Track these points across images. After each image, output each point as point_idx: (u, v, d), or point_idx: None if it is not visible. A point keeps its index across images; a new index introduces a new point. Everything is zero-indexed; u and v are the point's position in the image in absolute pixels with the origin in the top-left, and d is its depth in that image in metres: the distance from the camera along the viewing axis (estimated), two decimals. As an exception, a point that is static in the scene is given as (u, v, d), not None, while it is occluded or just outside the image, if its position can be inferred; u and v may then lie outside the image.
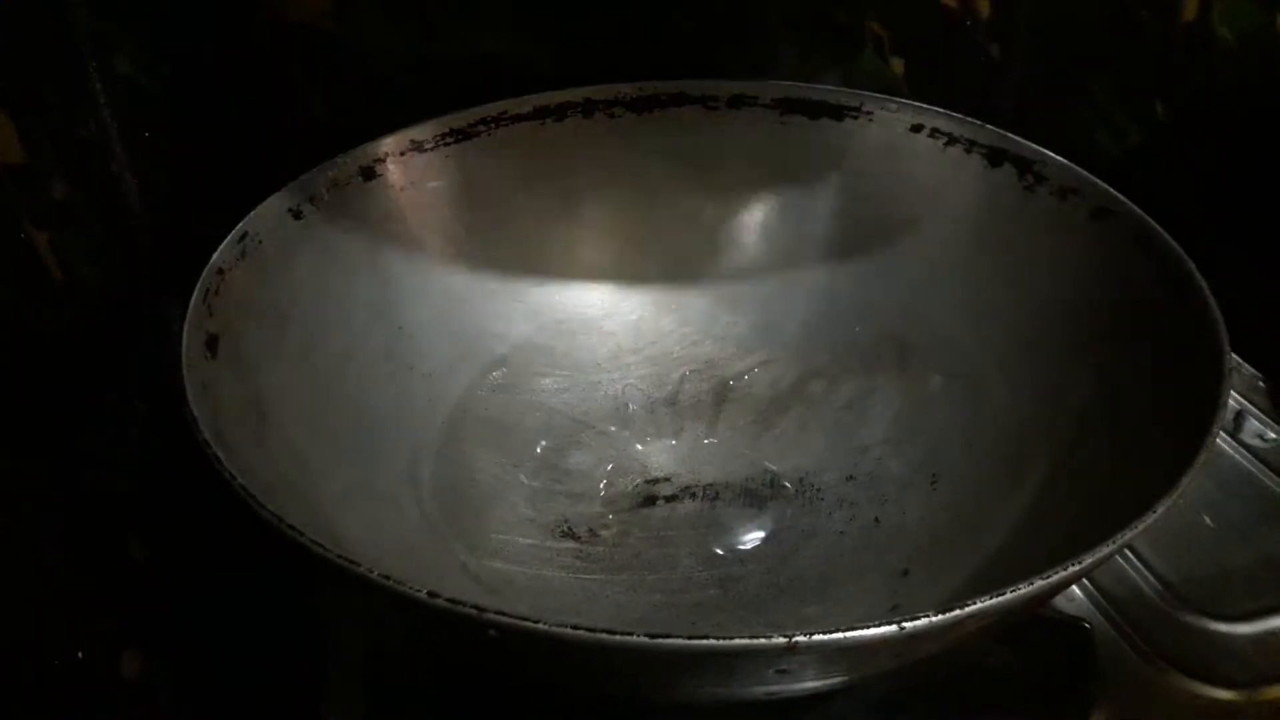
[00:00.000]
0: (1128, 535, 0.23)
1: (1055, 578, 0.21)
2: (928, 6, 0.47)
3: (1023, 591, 0.21)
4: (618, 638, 0.20)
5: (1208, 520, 0.37)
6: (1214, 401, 0.27)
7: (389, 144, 0.38)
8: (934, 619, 0.21)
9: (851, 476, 0.36)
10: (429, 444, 0.36)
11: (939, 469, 0.35)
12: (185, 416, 0.26)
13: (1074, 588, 0.34)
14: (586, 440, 0.38)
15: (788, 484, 0.37)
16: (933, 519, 0.34)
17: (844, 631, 0.20)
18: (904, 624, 0.20)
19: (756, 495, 0.36)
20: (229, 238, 0.33)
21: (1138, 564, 0.35)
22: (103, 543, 0.39)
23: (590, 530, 0.35)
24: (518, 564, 0.33)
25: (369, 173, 0.38)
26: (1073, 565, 0.22)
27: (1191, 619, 0.33)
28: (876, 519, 0.35)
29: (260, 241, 0.34)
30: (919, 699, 0.31)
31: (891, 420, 0.37)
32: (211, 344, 0.30)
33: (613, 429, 0.39)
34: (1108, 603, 0.34)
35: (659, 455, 0.38)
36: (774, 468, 0.37)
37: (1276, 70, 0.45)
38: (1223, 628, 0.33)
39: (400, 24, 0.44)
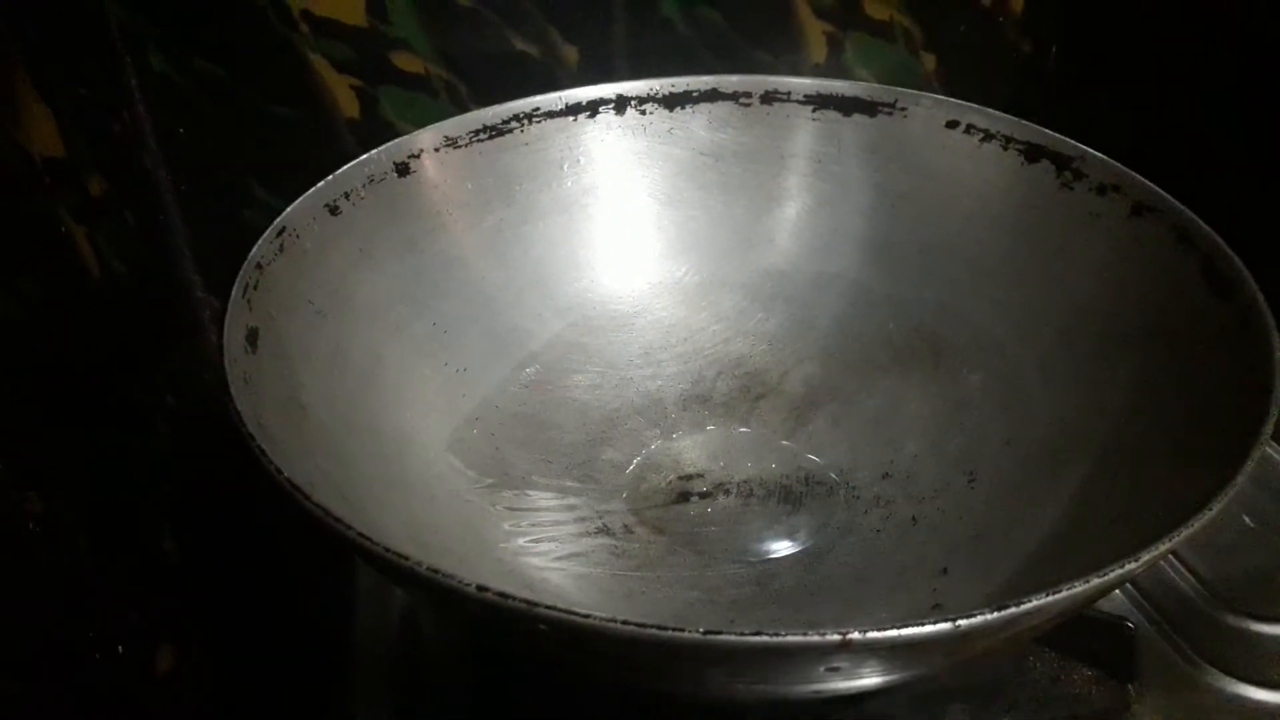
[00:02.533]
0: (1184, 533, 0.22)
1: (1112, 575, 0.21)
2: (960, 2, 0.47)
3: (1079, 589, 0.21)
4: (670, 633, 0.20)
5: (1248, 520, 0.36)
6: (1265, 400, 0.26)
7: (424, 140, 0.38)
8: (989, 616, 0.20)
9: (888, 474, 0.36)
10: (463, 439, 0.36)
11: (976, 467, 0.35)
12: (228, 410, 0.26)
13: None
14: (619, 437, 0.38)
15: (823, 481, 0.36)
16: (970, 518, 0.34)
17: (899, 629, 0.20)
18: (959, 621, 0.20)
19: (791, 492, 0.36)
20: (267, 233, 0.33)
21: (1177, 564, 0.35)
22: (136, 537, 0.39)
23: (625, 526, 0.35)
24: (552, 560, 0.33)
25: (403, 169, 0.38)
26: (1130, 562, 0.22)
27: (1233, 619, 0.33)
28: (914, 518, 0.34)
29: (298, 236, 0.34)
30: (957, 698, 0.31)
31: (927, 418, 0.37)
32: (252, 338, 0.30)
33: (645, 425, 0.39)
34: (1148, 603, 0.34)
35: (692, 452, 0.38)
36: (808, 465, 0.37)
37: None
38: (1264, 629, 0.33)
39: (432, 20, 0.44)
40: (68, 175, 0.35)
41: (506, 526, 0.34)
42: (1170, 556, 0.35)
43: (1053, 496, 0.32)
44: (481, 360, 0.38)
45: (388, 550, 0.22)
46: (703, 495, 0.37)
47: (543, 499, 0.36)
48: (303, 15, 0.43)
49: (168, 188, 0.45)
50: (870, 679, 0.24)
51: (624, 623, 0.20)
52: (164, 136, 0.44)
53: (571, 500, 0.36)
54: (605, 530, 0.35)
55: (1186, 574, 0.34)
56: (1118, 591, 0.34)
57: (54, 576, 0.32)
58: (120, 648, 0.34)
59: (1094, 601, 0.25)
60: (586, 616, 0.20)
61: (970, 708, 0.31)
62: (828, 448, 0.38)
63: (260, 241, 0.32)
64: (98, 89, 0.41)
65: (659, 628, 0.20)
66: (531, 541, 0.34)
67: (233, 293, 0.30)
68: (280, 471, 0.24)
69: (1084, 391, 0.34)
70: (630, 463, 0.38)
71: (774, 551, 0.34)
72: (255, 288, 0.31)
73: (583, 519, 0.35)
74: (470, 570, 0.22)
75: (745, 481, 0.37)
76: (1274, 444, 0.39)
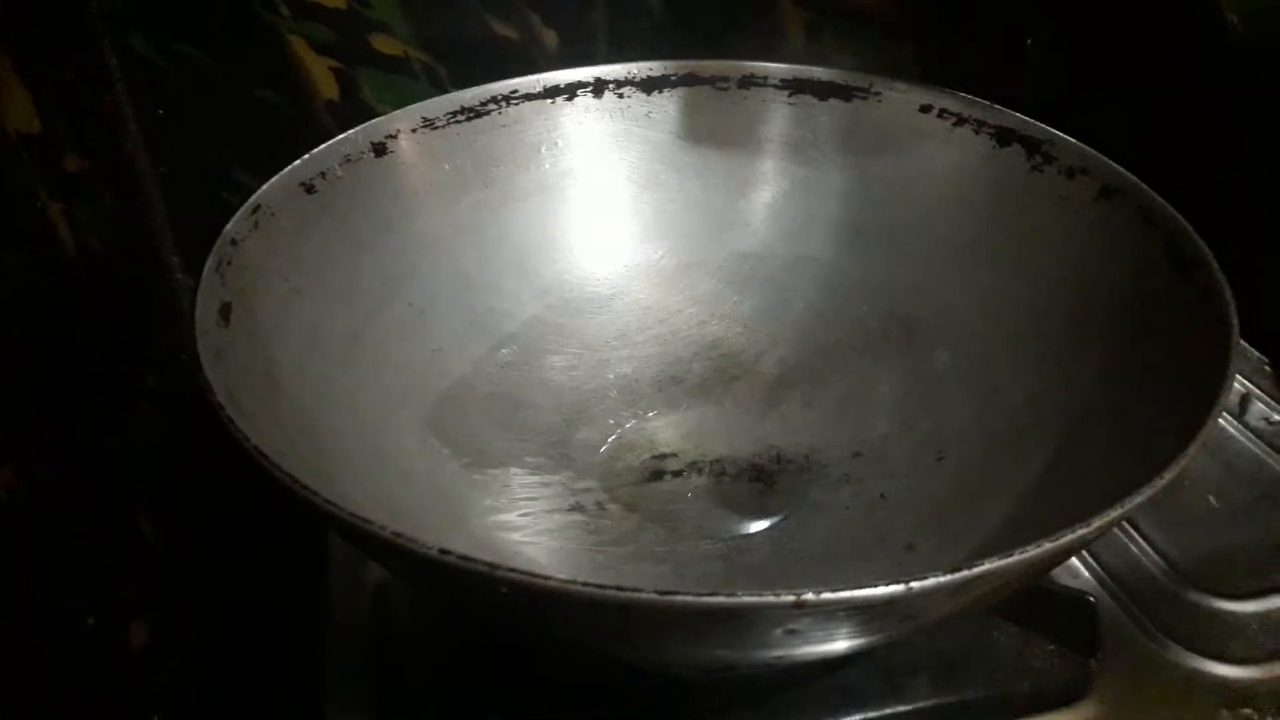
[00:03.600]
0: (1134, 501, 0.23)
1: (1061, 541, 0.22)
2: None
3: (1030, 554, 0.21)
4: (627, 594, 0.20)
5: (1213, 501, 0.37)
6: (1219, 377, 0.27)
7: (401, 120, 0.39)
8: (941, 579, 0.21)
9: (858, 453, 0.36)
10: (438, 418, 0.36)
11: (945, 446, 0.35)
12: (198, 382, 0.26)
13: (1078, 563, 0.35)
14: (594, 416, 0.38)
15: (794, 460, 0.37)
16: (939, 495, 0.34)
17: (851, 590, 0.20)
18: (911, 584, 0.21)
19: (763, 471, 0.37)
20: (242, 209, 0.33)
21: (1143, 543, 0.35)
22: (112, 515, 0.39)
23: (598, 504, 0.35)
24: (526, 536, 0.34)
25: (380, 149, 0.38)
26: (1080, 528, 0.22)
27: (1196, 596, 0.34)
28: (883, 495, 0.35)
29: (273, 214, 0.34)
30: (923, 671, 0.31)
31: (898, 399, 0.38)
32: (224, 312, 0.30)
33: (620, 406, 0.39)
34: (1112, 580, 0.34)
35: (666, 432, 0.38)
36: (780, 444, 0.37)
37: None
38: (1228, 605, 0.33)
39: (412, 3, 0.44)
40: (44, 151, 0.35)
41: (481, 503, 0.35)
42: (1135, 534, 0.35)
43: (1019, 472, 0.33)
44: (458, 340, 0.38)
45: (353, 515, 0.22)
46: (676, 474, 0.37)
47: (517, 477, 0.36)
48: (283, -3, 0.43)
49: (147, 169, 0.45)
50: (832, 644, 0.24)
51: (583, 584, 0.21)
52: (144, 118, 0.44)
53: (546, 478, 0.36)
54: (578, 508, 0.35)
55: (1151, 552, 0.35)
56: (1082, 568, 0.34)
57: (25, 550, 0.32)
58: (90, 620, 0.34)
59: (1050, 569, 0.25)
60: (546, 579, 0.21)
61: (935, 680, 0.31)
62: (800, 428, 0.38)
63: (235, 218, 0.33)
64: (77, 69, 0.41)
65: (617, 589, 0.20)
66: (505, 517, 0.34)
67: (205, 267, 0.30)
68: (248, 439, 0.24)
69: (1052, 370, 0.34)
70: (605, 442, 0.38)
71: (745, 529, 0.35)
72: (229, 263, 0.31)
73: (556, 496, 0.36)
74: (442, 543, 0.22)
75: (718, 460, 0.37)
76: (1240, 426, 0.40)
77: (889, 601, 0.21)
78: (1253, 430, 0.40)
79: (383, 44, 0.45)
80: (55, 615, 0.34)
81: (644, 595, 0.20)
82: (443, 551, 0.21)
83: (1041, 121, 0.38)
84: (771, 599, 0.20)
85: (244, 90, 0.45)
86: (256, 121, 0.45)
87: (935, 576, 0.21)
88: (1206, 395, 0.26)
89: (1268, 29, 0.44)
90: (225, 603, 0.45)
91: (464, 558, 0.21)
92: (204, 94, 0.44)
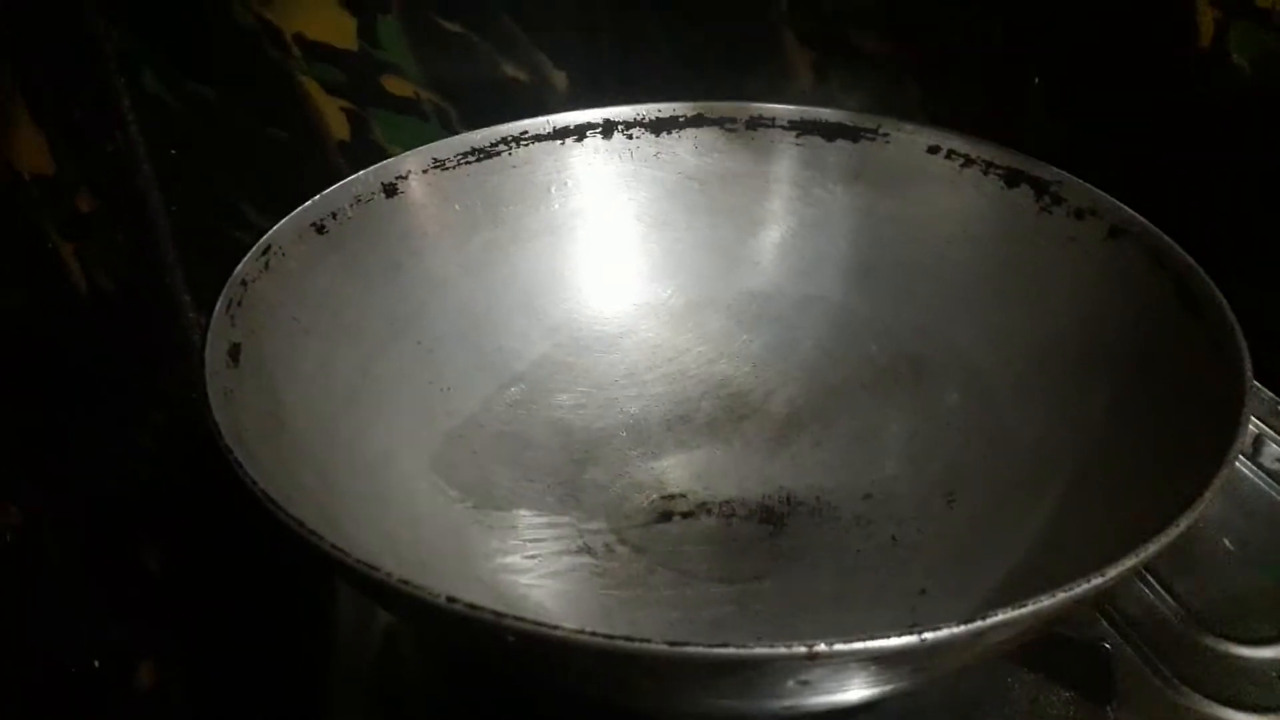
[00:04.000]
0: (1150, 550, 0.22)
1: (1077, 591, 0.21)
2: (944, 33, 0.48)
3: (1045, 604, 0.21)
4: (636, 644, 0.20)
5: (1228, 544, 0.37)
6: (1234, 421, 0.26)
7: (411, 161, 0.39)
8: (955, 630, 0.20)
9: (868, 495, 0.36)
10: (446, 457, 0.36)
11: (955, 488, 0.35)
12: (207, 423, 0.26)
13: (1094, 610, 0.34)
14: (603, 456, 0.38)
15: (804, 502, 0.37)
16: (950, 538, 0.34)
17: (865, 641, 0.20)
18: (925, 634, 0.20)
19: (773, 513, 0.36)
20: (253, 250, 0.33)
21: (1158, 588, 0.35)
22: (118, 553, 0.39)
23: (606, 546, 0.35)
24: (533, 578, 0.33)
25: (391, 189, 0.38)
26: (1095, 578, 0.22)
27: (1213, 642, 0.33)
28: (894, 537, 0.34)
29: (284, 254, 0.34)
30: (935, 719, 0.31)
31: (908, 439, 0.37)
32: (234, 353, 0.30)
33: (629, 445, 0.39)
34: (1128, 625, 0.34)
35: (675, 472, 0.38)
36: (790, 485, 0.37)
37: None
38: (1245, 651, 0.33)
39: (422, 45, 0.45)
40: (57, 193, 0.36)
41: (488, 545, 0.35)
42: (1150, 579, 0.35)
43: (1031, 516, 0.32)
44: (467, 379, 0.38)
45: (359, 562, 0.22)
46: (685, 515, 0.37)
47: (525, 518, 0.36)
48: (295, 38, 0.43)
49: (159, 208, 0.45)
50: (844, 694, 0.24)
51: (591, 634, 0.20)
52: (156, 157, 0.44)
53: (554, 519, 0.36)
54: (586, 549, 0.35)
55: (1166, 596, 0.34)
56: (1097, 615, 0.34)
57: (32, 591, 0.32)
58: (97, 663, 0.34)
59: (1064, 619, 0.25)
60: (554, 628, 0.21)
61: (948, 729, 0.31)
62: (810, 468, 0.38)
63: (246, 259, 0.33)
64: (91, 110, 0.41)
65: (626, 639, 0.20)
66: (512, 560, 0.34)
67: (216, 308, 0.30)
68: (255, 483, 0.24)
69: (1061, 412, 0.34)
70: (613, 482, 0.38)
71: (755, 571, 0.34)
72: (239, 304, 0.32)
73: (564, 538, 0.35)
74: (448, 587, 0.22)
75: (727, 501, 0.37)
76: (1254, 467, 0.39)
77: (902, 652, 0.20)
78: (1267, 472, 0.39)
79: (394, 85, 0.45)
80: (61, 656, 0.34)
81: (653, 646, 0.20)
82: (450, 599, 0.21)
83: (1048, 162, 0.38)
84: (784, 650, 0.20)
85: (255, 130, 0.45)
86: (268, 161, 0.45)
87: (949, 627, 0.20)
88: (1221, 439, 0.26)
89: (1275, 71, 0.44)
90: (233, 644, 0.45)
91: (471, 606, 0.21)
92: (216, 133, 0.45)
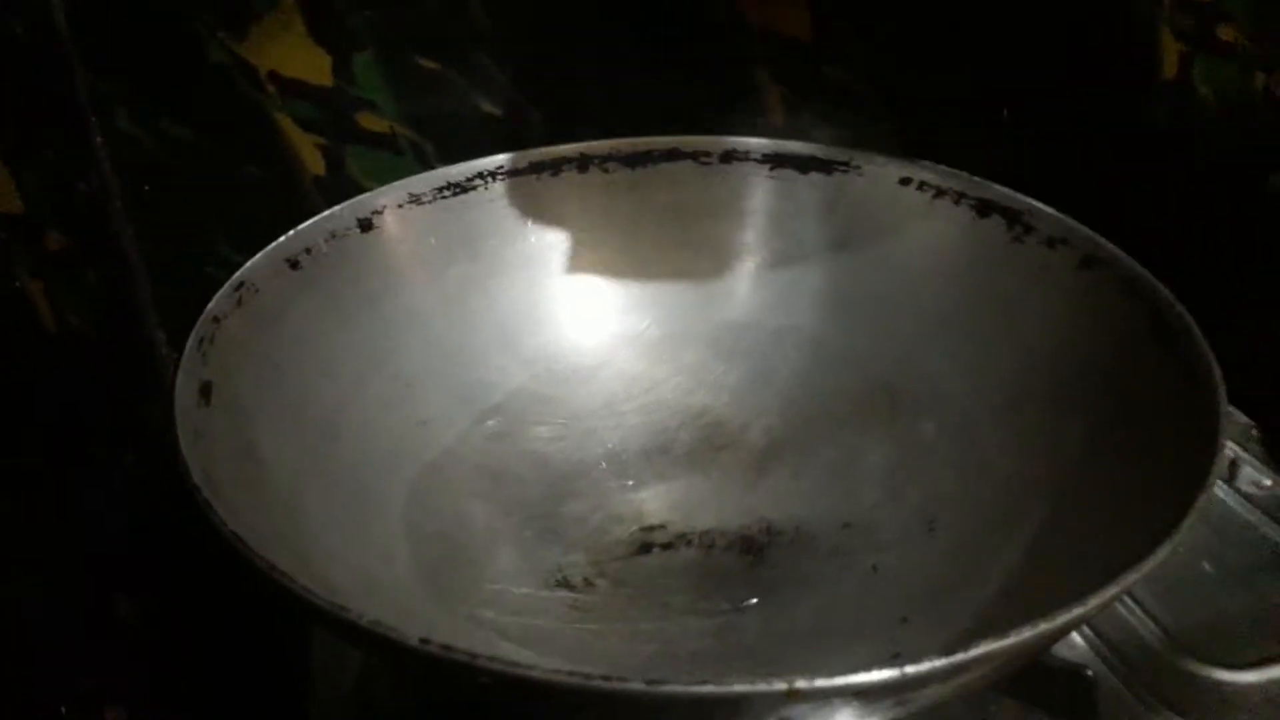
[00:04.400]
0: (1131, 577, 0.22)
1: (1060, 620, 0.21)
2: (916, 66, 0.48)
3: (1027, 635, 0.21)
4: (613, 684, 0.20)
5: (1207, 567, 0.37)
6: (1210, 448, 0.27)
7: (387, 196, 0.39)
8: (936, 663, 0.20)
9: (848, 524, 0.36)
10: (423, 492, 0.36)
11: (935, 516, 0.35)
12: (176, 463, 0.26)
13: (1075, 635, 0.34)
14: (581, 488, 0.38)
15: (784, 532, 0.36)
16: (930, 566, 0.34)
17: (845, 676, 0.20)
18: (906, 668, 0.20)
19: (753, 543, 0.36)
20: (225, 286, 0.33)
21: (1139, 611, 0.35)
22: (87, 597, 0.38)
23: (585, 579, 0.35)
24: (511, 613, 0.33)
25: (366, 224, 0.38)
26: (1077, 607, 0.22)
27: (1195, 667, 0.33)
28: (874, 567, 0.34)
29: (257, 291, 0.34)
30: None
31: (886, 468, 0.37)
32: (205, 391, 0.30)
33: (608, 476, 0.39)
34: (1109, 650, 0.33)
35: (654, 503, 0.38)
36: (770, 515, 0.37)
37: (1255, 126, 0.46)
38: (1226, 676, 0.33)
39: (398, 82, 0.45)
40: (25, 232, 0.35)
41: (465, 580, 0.34)
42: (1130, 603, 0.35)
43: (1011, 543, 0.32)
44: (444, 412, 0.38)
45: (330, 603, 0.22)
46: (664, 546, 0.36)
47: (503, 552, 0.36)
48: (270, 76, 0.43)
49: (132, 246, 0.45)
50: (824, 729, 0.24)
51: (569, 674, 0.20)
52: (130, 195, 0.44)
53: (531, 553, 0.36)
54: (565, 583, 0.35)
55: (1147, 620, 0.34)
56: (1078, 639, 0.34)
57: (-2, 637, 0.31)
58: (63, 709, 0.33)
59: (1046, 648, 0.25)
60: (530, 669, 0.20)
61: (932, 761, 0.30)
62: (788, 498, 0.38)
63: (218, 295, 0.33)
64: (63, 149, 0.41)
65: (604, 678, 0.20)
66: (490, 595, 0.34)
67: (187, 345, 0.30)
68: (224, 524, 0.24)
69: (1038, 440, 0.34)
70: (592, 515, 0.37)
71: (735, 603, 0.34)
72: (211, 341, 0.31)
73: (543, 572, 0.35)
74: (425, 625, 0.21)
75: (707, 532, 0.37)
76: (1230, 490, 0.40)
77: (884, 686, 0.20)
78: (1244, 495, 0.39)
79: (369, 121, 0.45)
80: (26, 702, 0.33)
81: (631, 686, 0.20)
82: (423, 640, 0.21)
83: (1021, 193, 0.38)
84: (764, 687, 0.20)
85: (230, 167, 0.45)
86: (242, 197, 0.45)
87: (930, 661, 0.20)
88: (1198, 468, 0.26)
89: (1238, 102, 0.45)
90: (205, 685, 0.44)
91: (445, 647, 0.21)
92: (190, 171, 0.44)
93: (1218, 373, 0.29)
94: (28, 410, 0.35)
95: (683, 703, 0.20)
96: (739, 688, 0.20)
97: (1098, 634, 0.34)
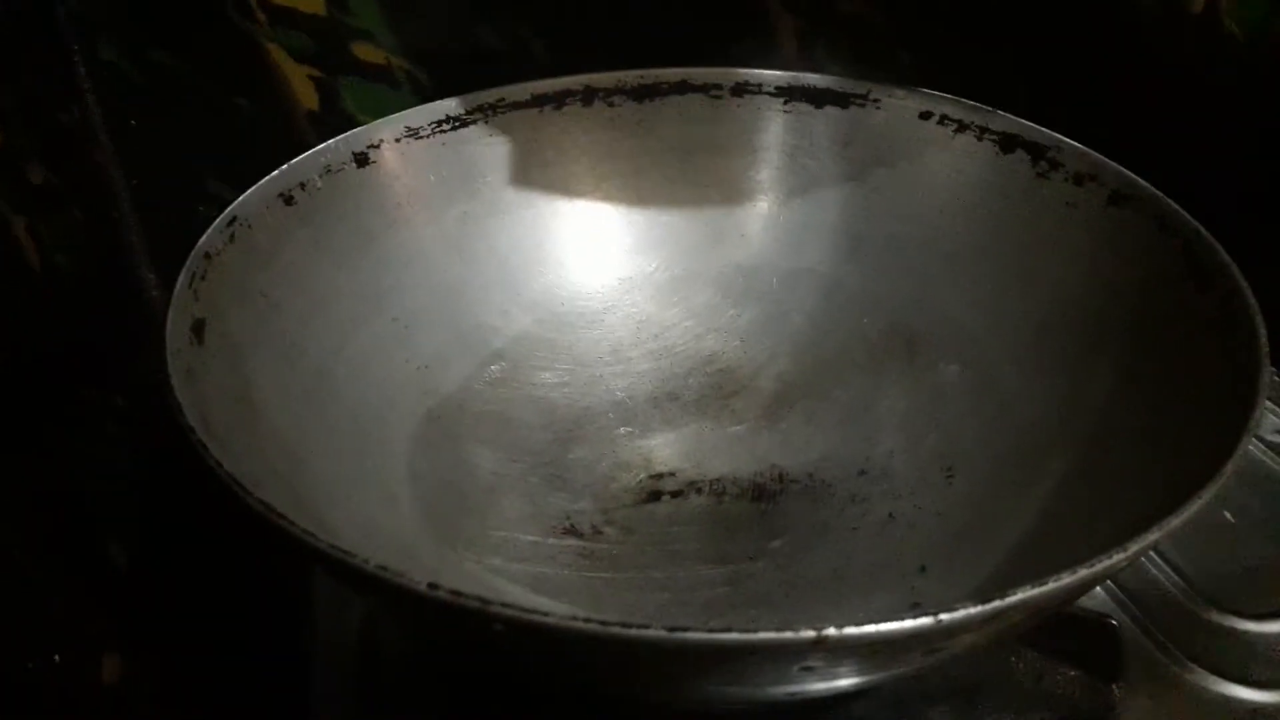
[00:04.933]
0: (1173, 523, 0.21)
1: (1100, 566, 0.20)
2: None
3: (1065, 581, 0.20)
4: (633, 631, 0.19)
5: (1229, 516, 0.36)
6: (1250, 393, 0.25)
7: (384, 129, 0.37)
8: (972, 610, 0.19)
9: (863, 471, 0.35)
10: (425, 438, 0.35)
11: (954, 463, 0.34)
12: (169, 403, 0.25)
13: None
14: (588, 435, 0.37)
15: (797, 479, 0.35)
16: (949, 514, 0.33)
17: (877, 624, 0.19)
18: (941, 616, 0.19)
19: (765, 491, 0.35)
20: (217, 222, 0.31)
21: (1159, 560, 0.34)
22: (81, 543, 0.37)
23: (593, 527, 0.34)
24: (518, 562, 0.32)
25: (363, 159, 0.37)
26: (1118, 553, 0.21)
27: (1217, 617, 0.32)
28: (890, 514, 0.33)
29: (250, 227, 0.32)
30: (938, 700, 0.30)
31: (902, 414, 0.36)
32: (198, 330, 0.28)
33: (615, 424, 0.37)
34: (1130, 600, 0.33)
35: (663, 450, 0.37)
36: (783, 463, 0.36)
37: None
38: (1250, 626, 0.32)
39: (395, 10, 0.43)
40: (6, 164, 0.34)
41: (471, 528, 0.33)
42: (1152, 553, 0.34)
43: (1033, 491, 0.31)
44: (444, 357, 0.37)
45: (333, 547, 0.21)
46: (674, 494, 0.35)
47: (509, 499, 0.34)
48: (260, 3, 0.41)
49: (119, 182, 0.43)
50: (847, 680, 0.23)
51: (586, 620, 0.19)
52: (115, 129, 0.42)
53: (539, 500, 0.35)
54: (573, 531, 0.34)
55: (1169, 570, 0.34)
56: (1100, 589, 0.33)
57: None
58: (57, 657, 0.32)
59: (1079, 596, 0.24)
60: (545, 615, 0.19)
61: (952, 710, 0.30)
62: (802, 445, 0.36)
63: (209, 231, 0.31)
64: (42, 78, 0.39)
65: (622, 625, 0.19)
66: (496, 543, 0.33)
67: (178, 282, 0.29)
68: (220, 465, 0.22)
69: (1063, 384, 0.33)
70: (599, 462, 0.36)
71: (747, 551, 0.33)
72: (203, 278, 0.30)
73: (550, 519, 0.34)
74: (429, 572, 0.20)
75: (718, 480, 0.36)
76: (1255, 440, 0.39)
77: (916, 636, 0.19)
78: (1267, 444, 0.38)
79: (365, 52, 0.43)
80: (19, 651, 0.32)
81: (650, 632, 0.19)
82: (431, 586, 0.20)
83: (1045, 127, 0.36)
84: (791, 636, 0.19)
85: (219, 99, 0.43)
86: (233, 132, 0.43)
87: (965, 609, 0.19)
88: (1237, 413, 0.25)
89: (1267, 37, 0.43)
90: (204, 634, 0.43)
91: (454, 593, 0.20)
92: (178, 103, 0.42)
93: (1257, 311, 0.28)
94: (15, 352, 0.34)
95: (706, 651, 0.19)
96: (766, 636, 0.19)
97: (1119, 584, 0.33)
